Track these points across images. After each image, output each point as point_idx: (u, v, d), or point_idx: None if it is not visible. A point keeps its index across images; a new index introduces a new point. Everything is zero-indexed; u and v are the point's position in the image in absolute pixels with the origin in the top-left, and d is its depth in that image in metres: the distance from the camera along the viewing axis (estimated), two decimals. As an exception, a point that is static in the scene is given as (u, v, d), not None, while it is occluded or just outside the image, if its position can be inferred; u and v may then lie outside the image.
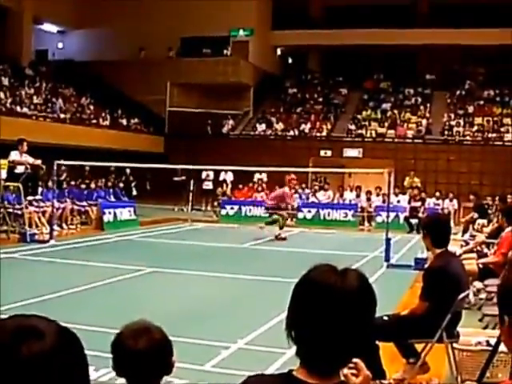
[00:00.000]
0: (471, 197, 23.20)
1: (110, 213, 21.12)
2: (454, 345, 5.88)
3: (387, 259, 14.64)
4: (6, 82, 28.51)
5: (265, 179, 27.45)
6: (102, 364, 5.78)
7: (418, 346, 6.22)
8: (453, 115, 33.61)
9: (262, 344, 7.44)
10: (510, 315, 1.70)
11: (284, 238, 19.56)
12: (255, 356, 7.11)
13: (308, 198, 26.41)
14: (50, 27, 38.45)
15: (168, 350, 2.78)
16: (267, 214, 21.23)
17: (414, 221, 22.79)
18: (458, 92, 35.26)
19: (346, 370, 1.99)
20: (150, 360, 2.68)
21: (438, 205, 25.41)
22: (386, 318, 5.98)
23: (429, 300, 5.89)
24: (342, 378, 1.98)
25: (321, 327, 1.88)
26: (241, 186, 27.66)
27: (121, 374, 2.74)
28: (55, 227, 18.23)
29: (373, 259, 15.38)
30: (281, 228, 19.93)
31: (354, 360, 2.01)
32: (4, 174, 18.13)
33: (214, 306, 9.82)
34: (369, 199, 25.42)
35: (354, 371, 2.02)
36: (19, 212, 17.63)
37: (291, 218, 23.25)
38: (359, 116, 34.77)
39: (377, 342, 5.78)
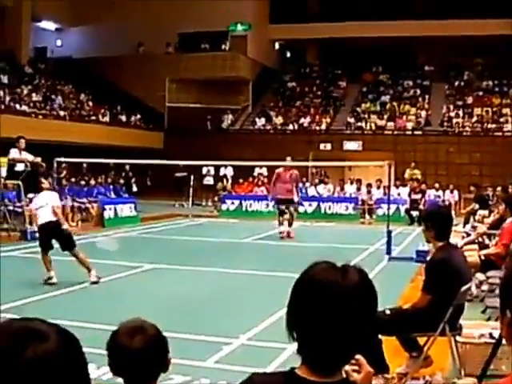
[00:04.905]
0: (471, 188, 23.18)
1: (110, 209, 21.09)
2: (457, 337, 5.86)
3: (388, 252, 14.61)
4: (4, 79, 28.50)
5: (265, 173, 27.46)
6: (105, 362, 5.78)
7: (421, 340, 6.20)
8: (452, 106, 33.57)
9: (264, 339, 7.41)
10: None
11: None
12: (257, 351, 7.09)
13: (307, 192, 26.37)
14: (48, 25, 38.44)
15: (163, 347, 2.76)
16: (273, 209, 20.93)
17: (414, 213, 22.73)
18: (456, 83, 35.23)
19: (347, 367, 1.97)
20: (145, 358, 2.66)
21: (439, 196, 25.45)
22: (388, 311, 5.94)
23: (431, 293, 5.84)
24: (344, 375, 1.97)
25: (322, 325, 1.86)
26: (241, 181, 27.69)
27: (117, 373, 2.73)
28: (56, 225, 18.22)
29: (374, 252, 15.38)
30: (281, 224, 18.49)
31: (356, 356, 1.99)
32: (4, 172, 18.13)
33: (215, 301, 9.80)
34: (369, 192, 25.40)
35: (355, 367, 2.00)
36: (20, 210, 17.61)
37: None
38: (358, 109, 34.74)
39: (379, 336, 5.76)
